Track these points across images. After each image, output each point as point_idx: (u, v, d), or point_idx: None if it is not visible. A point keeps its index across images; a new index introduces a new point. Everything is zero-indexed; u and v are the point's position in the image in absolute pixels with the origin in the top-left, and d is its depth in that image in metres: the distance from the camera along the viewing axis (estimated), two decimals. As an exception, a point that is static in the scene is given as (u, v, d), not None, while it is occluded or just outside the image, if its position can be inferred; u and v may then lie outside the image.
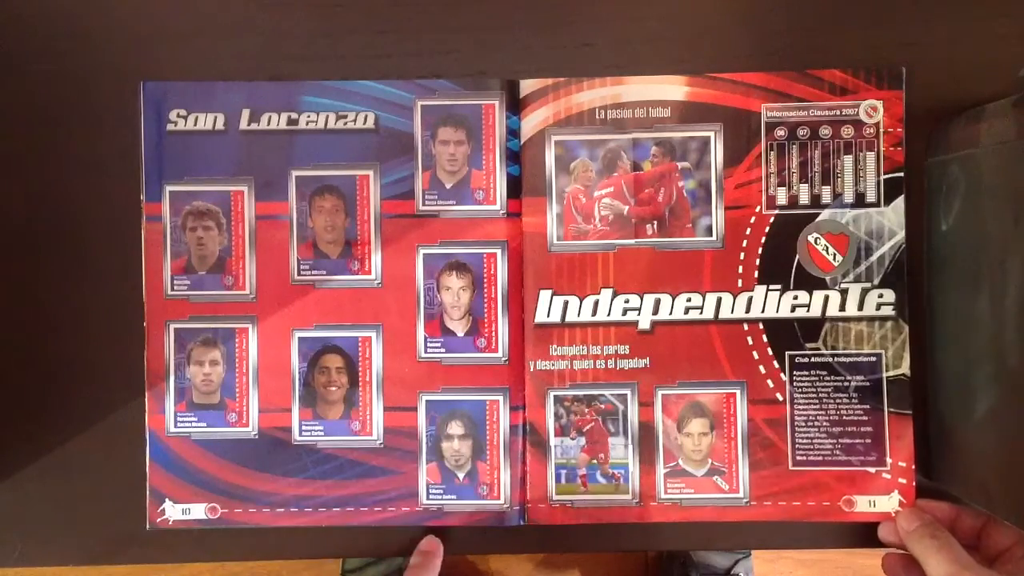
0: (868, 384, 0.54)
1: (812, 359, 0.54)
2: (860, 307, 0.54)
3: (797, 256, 0.54)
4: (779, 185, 0.54)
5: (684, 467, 0.54)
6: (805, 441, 0.54)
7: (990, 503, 0.48)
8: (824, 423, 0.54)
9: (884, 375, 0.54)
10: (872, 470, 0.54)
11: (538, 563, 1.12)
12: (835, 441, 0.54)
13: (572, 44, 0.55)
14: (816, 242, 0.54)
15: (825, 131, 0.54)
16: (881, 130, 0.54)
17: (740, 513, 0.54)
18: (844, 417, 0.54)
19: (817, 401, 0.54)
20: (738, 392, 0.54)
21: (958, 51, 0.54)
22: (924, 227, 0.53)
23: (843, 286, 0.54)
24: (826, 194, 0.54)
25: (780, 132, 0.54)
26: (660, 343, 0.54)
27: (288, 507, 0.54)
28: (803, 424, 0.54)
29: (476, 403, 0.55)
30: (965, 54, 0.54)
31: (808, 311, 0.54)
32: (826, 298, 0.54)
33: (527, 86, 0.55)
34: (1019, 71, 0.47)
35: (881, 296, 0.53)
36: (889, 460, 0.53)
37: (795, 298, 0.54)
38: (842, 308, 0.54)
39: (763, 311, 0.54)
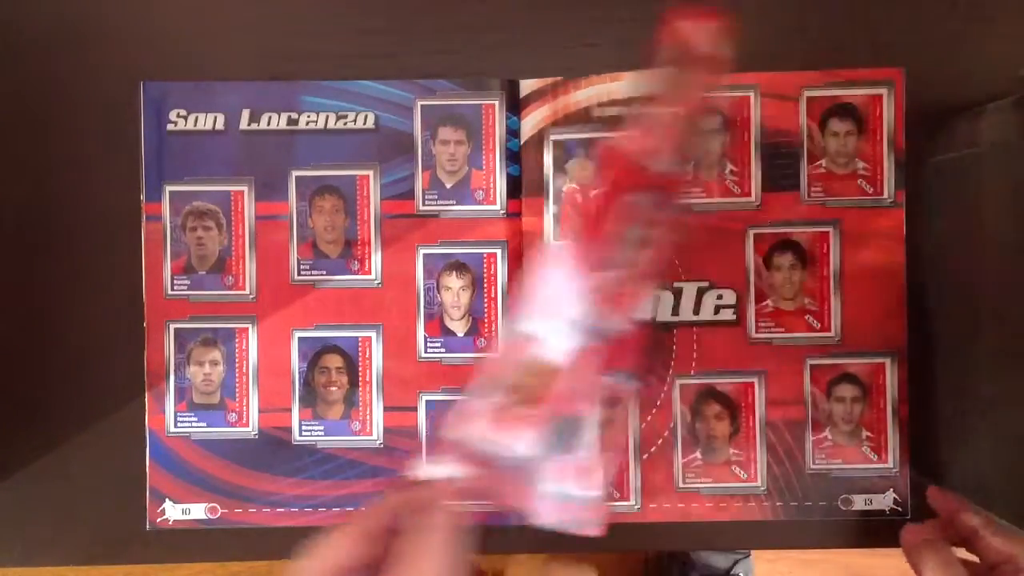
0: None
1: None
2: None
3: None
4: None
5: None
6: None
7: (990, 503, 0.48)
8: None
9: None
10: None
11: (538, 563, 1.12)
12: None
13: (572, 44, 0.55)
14: None
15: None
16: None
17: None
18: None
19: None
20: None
21: (958, 51, 0.54)
22: (924, 226, 0.53)
23: None
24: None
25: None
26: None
27: (288, 507, 0.54)
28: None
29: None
30: (965, 54, 0.54)
31: None
32: None
33: (527, 86, 0.55)
34: (1019, 71, 0.47)
35: None
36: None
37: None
38: None
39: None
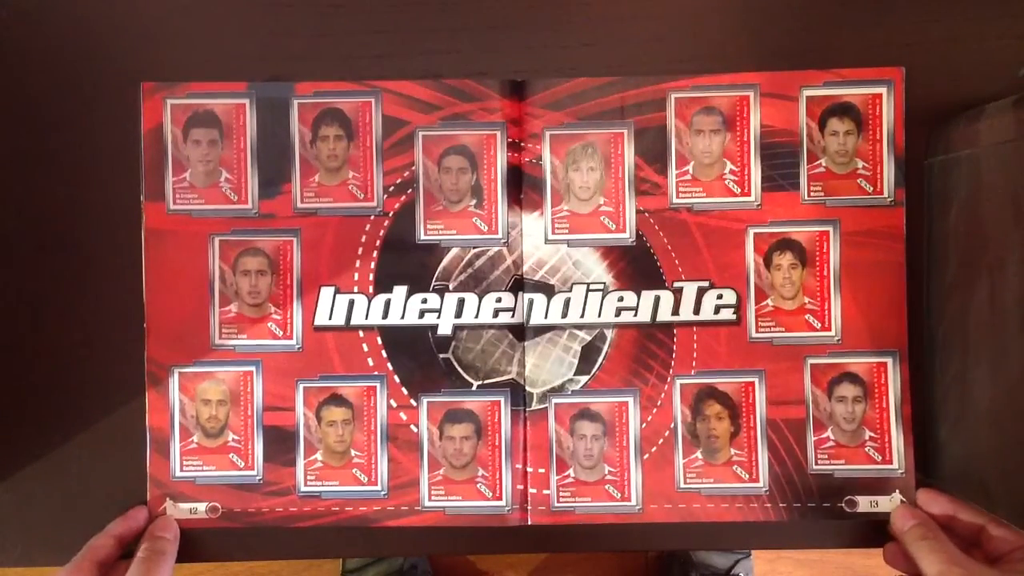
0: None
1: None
2: None
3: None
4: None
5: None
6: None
7: (990, 503, 0.48)
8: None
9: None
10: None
11: (538, 563, 1.12)
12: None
13: (572, 44, 0.55)
14: None
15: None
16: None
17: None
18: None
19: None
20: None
21: (958, 51, 0.54)
22: (924, 226, 0.53)
23: None
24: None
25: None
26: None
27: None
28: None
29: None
30: (965, 54, 0.54)
31: None
32: None
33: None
34: (1019, 71, 0.47)
35: None
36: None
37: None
38: None
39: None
